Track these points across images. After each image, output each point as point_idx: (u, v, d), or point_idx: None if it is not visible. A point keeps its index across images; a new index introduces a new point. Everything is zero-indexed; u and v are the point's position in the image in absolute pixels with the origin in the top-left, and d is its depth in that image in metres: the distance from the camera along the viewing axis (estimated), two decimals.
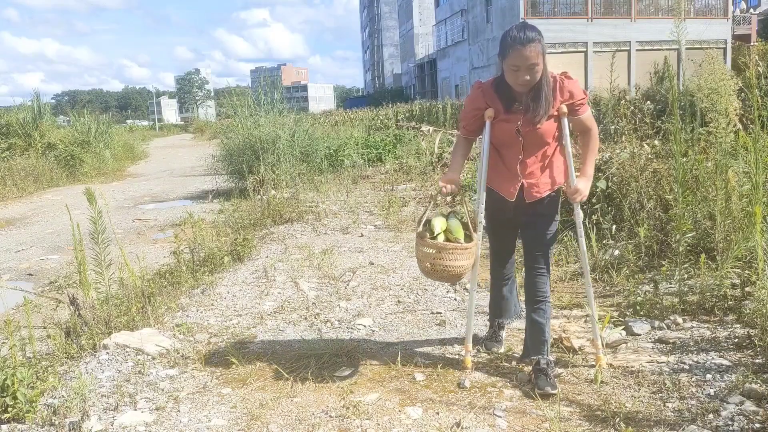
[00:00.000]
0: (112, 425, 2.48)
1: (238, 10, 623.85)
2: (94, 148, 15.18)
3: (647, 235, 4.08)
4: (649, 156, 4.91)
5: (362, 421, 2.46)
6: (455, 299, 3.96)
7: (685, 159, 3.88)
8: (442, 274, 2.63)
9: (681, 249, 3.53)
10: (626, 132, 5.95)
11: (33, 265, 5.77)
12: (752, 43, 27.61)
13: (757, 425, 2.21)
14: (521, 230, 2.83)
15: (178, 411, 2.60)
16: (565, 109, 2.61)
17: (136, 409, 2.61)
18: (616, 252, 4.22)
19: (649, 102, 7.11)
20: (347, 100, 77.40)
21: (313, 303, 4.00)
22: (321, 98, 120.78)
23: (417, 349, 3.17)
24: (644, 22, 26.74)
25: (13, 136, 14.32)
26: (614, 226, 4.49)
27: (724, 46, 26.83)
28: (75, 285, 4.33)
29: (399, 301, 3.97)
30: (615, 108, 6.81)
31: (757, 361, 2.70)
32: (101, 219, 3.51)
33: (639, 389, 2.59)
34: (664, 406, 2.43)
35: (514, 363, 2.94)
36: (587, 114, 2.68)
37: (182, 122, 70.67)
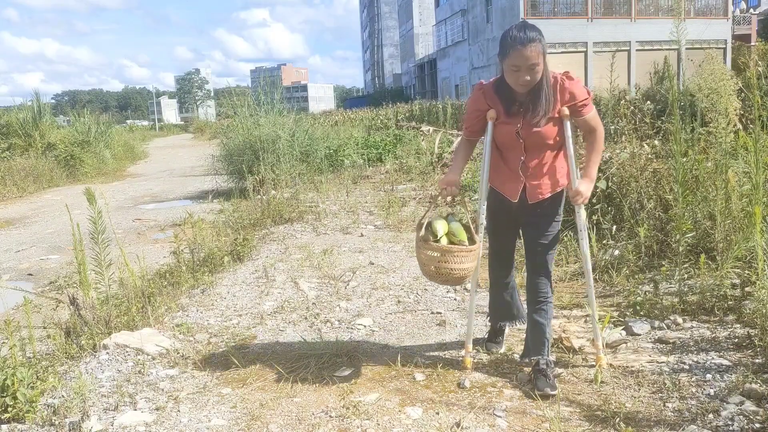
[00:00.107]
0: (112, 425, 2.48)
1: (238, 10, 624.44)
2: (94, 148, 15.17)
3: (647, 235, 4.08)
4: (649, 156, 4.91)
5: (362, 421, 2.46)
6: (455, 299, 3.96)
7: (685, 159, 3.87)
8: (447, 278, 2.61)
9: (681, 249, 3.53)
10: (626, 132, 5.95)
11: (33, 265, 5.77)
12: (752, 43, 27.63)
13: (757, 425, 2.21)
14: (523, 230, 2.81)
15: (178, 411, 2.60)
16: (566, 111, 2.57)
17: (136, 409, 2.61)
18: (616, 252, 4.22)
19: (649, 102, 7.10)
20: (347, 100, 77.40)
21: (313, 303, 4.00)
22: (321, 98, 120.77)
23: (417, 349, 3.17)
24: (644, 22, 26.75)
25: (13, 136, 14.32)
26: (614, 226, 4.49)
27: (724, 46, 26.84)
28: (75, 285, 4.33)
29: (399, 301, 3.97)
30: (615, 108, 6.80)
31: (757, 361, 2.69)
32: (101, 219, 3.51)
33: (639, 389, 2.59)
34: (664, 406, 2.43)
35: (514, 363, 2.94)
36: (591, 114, 2.62)
37: (182, 122, 70.66)
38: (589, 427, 2.32)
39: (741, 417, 2.27)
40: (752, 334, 2.91)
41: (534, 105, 2.54)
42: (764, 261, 2.93)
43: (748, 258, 3.37)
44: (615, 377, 2.73)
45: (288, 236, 6.02)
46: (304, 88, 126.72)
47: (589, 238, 4.19)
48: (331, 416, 2.51)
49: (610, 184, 4.71)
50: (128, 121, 70.44)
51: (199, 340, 3.41)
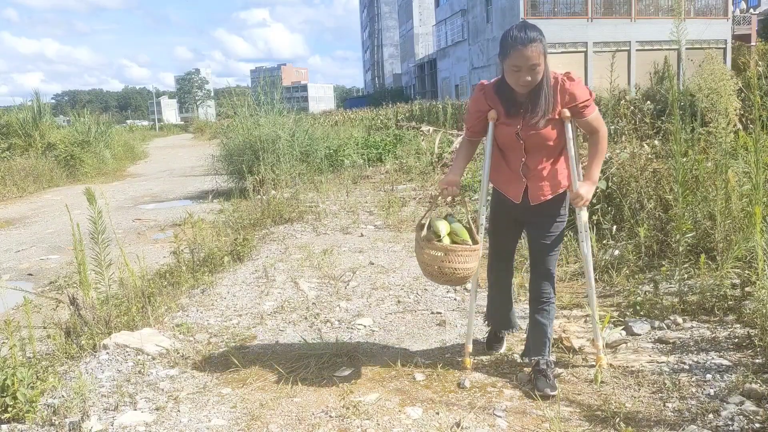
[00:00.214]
0: (112, 425, 2.48)
1: (238, 10, 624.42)
2: (94, 148, 15.17)
3: (647, 235, 4.08)
4: (649, 156, 4.92)
5: (362, 421, 2.46)
6: (455, 299, 3.96)
7: (685, 159, 3.87)
8: (450, 277, 2.59)
9: (681, 249, 3.53)
10: (626, 132, 5.95)
11: (33, 265, 5.77)
12: (752, 43, 27.64)
13: (757, 425, 2.21)
14: (527, 230, 2.79)
15: (178, 411, 2.60)
16: (567, 113, 2.54)
17: (136, 409, 2.61)
18: (616, 252, 4.22)
19: (649, 102, 7.11)
20: (347, 100, 77.38)
21: (313, 303, 4.00)
22: (321, 98, 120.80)
23: (417, 349, 3.17)
24: (644, 22, 26.75)
25: (13, 136, 14.32)
26: (614, 226, 4.49)
27: (724, 46, 26.85)
28: (75, 285, 4.33)
29: (399, 301, 3.97)
30: (615, 108, 6.81)
31: (757, 361, 2.69)
32: (101, 219, 3.51)
33: (639, 389, 2.59)
34: (664, 406, 2.43)
35: (514, 363, 2.94)
36: (594, 115, 2.58)
37: (182, 122, 70.67)
38: (589, 427, 2.32)
39: (741, 417, 2.27)
40: (752, 334, 2.91)
41: (533, 106, 2.51)
42: (764, 261, 2.93)
43: (748, 258, 3.37)
44: (615, 377, 2.73)
45: (288, 236, 6.02)
46: (304, 88, 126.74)
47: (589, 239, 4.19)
48: (331, 416, 2.51)
49: (610, 184, 4.71)
50: (128, 121, 70.47)
51: (199, 340, 3.41)
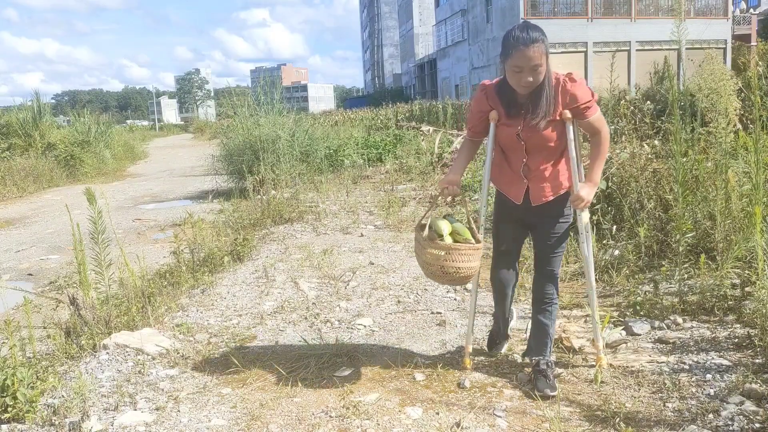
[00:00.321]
0: (112, 425, 2.48)
1: (238, 10, 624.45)
2: (94, 148, 15.17)
3: (647, 235, 4.08)
4: (649, 156, 4.92)
5: (362, 421, 2.46)
6: (455, 299, 3.96)
7: (685, 159, 3.87)
8: (453, 277, 2.57)
9: (681, 249, 3.53)
10: (626, 132, 5.96)
11: (33, 265, 5.77)
12: (752, 43, 27.64)
13: (757, 425, 2.21)
14: (531, 231, 2.78)
15: (178, 411, 2.60)
16: (568, 114, 2.52)
17: (136, 409, 2.61)
18: (616, 252, 4.22)
19: (649, 102, 7.11)
20: (347, 100, 77.41)
21: (313, 303, 4.00)
22: (321, 98, 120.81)
23: (417, 349, 3.17)
24: (644, 22, 26.76)
25: (13, 136, 14.32)
26: (614, 226, 4.49)
27: (724, 46, 26.85)
28: (75, 285, 4.33)
29: (399, 301, 3.97)
30: (615, 108, 6.81)
31: (757, 361, 2.69)
32: (101, 219, 3.51)
33: (639, 389, 2.59)
34: (664, 406, 2.43)
35: (514, 363, 2.93)
36: (596, 116, 2.56)
37: (182, 122, 70.68)
38: (589, 427, 2.32)
39: (741, 417, 2.27)
40: (752, 334, 2.91)
41: (534, 107, 2.49)
42: (764, 261, 2.93)
43: (748, 258, 3.37)
44: (615, 377, 2.73)
45: (288, 236, 6.02)
46: (304, 88, 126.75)
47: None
48: (331, 416, 2.51)
49: (610, 184, 4.71)
50: (128, 121, 70.46)
51: (199, 340, 3.41)
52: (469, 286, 3.30)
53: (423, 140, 12.54)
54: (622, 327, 3.23)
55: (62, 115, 33.18)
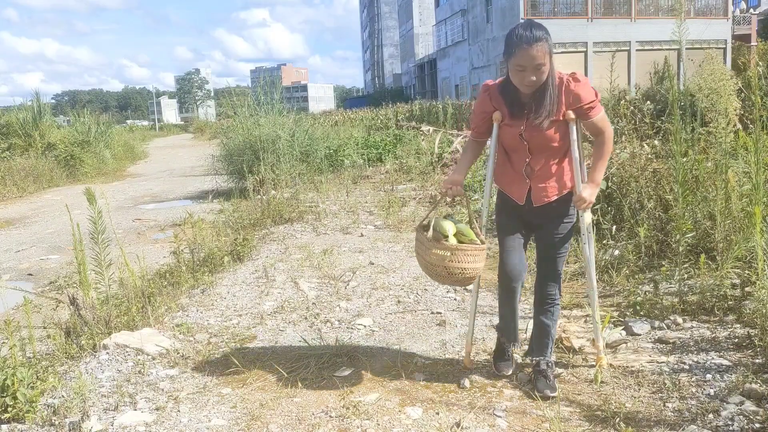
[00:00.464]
0: (112, 425, 2.48)
1: (238, 10, 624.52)
2: (94, 148, 15.18)
3: (647, 235, 4.08)
4: (649, 156, 4.92)
5: (362, 421, 2.46)
6: (455, 299, 3.96)
7: (685, 159, 3.87)
8: (458, 277, 2.54)
9: (681, 249, 3.53)
10: (626, 132, 5.96)
11: (33, 265, 5.77)
12: (752, 43, 27.65)
13: (757, 425, 2.21)
14: (534, 231, 2.75)
15: (178, 411, 2.60)
16: (572, 115, 2.51)
17: (136, 409, 2.61)
18: (616, 252, 4.22)
19: (649, 102, 7.11)
20: (347, 100, 77.39)
21: (313, 303, 4.00)
22: (321, 98, 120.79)
23: (417, 349, 3.17)
24: (644, 22, 26.75)
25: (13, 136, 14.33)
26: (614, 226, 4.49)
27: (724, 46, 26.85)
28: (75, 285, 4.33)
29: (399, 301, 3.97)
30: (615, 108, 6.81)
31: (757, 361, 2.69)
32: (101, 219, 3.51)
33: (639, 389, 2.59)
34: (664, 406, 2.43)
35: (513, 363, 2.93)
36: (599, 116, 2.54)
37: (182, 122, 70.69)
38: (589, 427, 2.32)
39: (741, 417, 2.27)
40: (752, 334, 2.91)
41: (537, 106, 2.48)
42: (764, 261, 2.93)
43: (748, 258, 3.37)
44: (615, 377, 2.73)
45: (288, 236, 6.02)
46: (304, 88, 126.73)
47: None
48: (331, 416, 2.51)
49: (610, 184, 4.71)
50: (128, 121, 70.46)
51: (199, 340, 3.41)
52: (470, 286, 3.30)
53: (423, 140, 12.54)
54: (622, 327, 3.23)
55: (62, 115, 33.19)
